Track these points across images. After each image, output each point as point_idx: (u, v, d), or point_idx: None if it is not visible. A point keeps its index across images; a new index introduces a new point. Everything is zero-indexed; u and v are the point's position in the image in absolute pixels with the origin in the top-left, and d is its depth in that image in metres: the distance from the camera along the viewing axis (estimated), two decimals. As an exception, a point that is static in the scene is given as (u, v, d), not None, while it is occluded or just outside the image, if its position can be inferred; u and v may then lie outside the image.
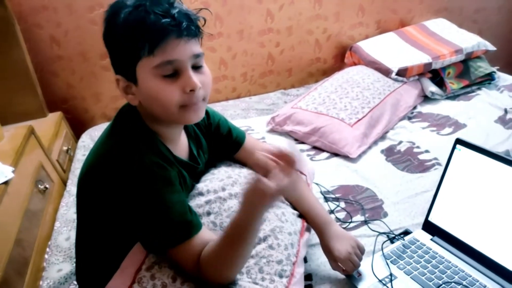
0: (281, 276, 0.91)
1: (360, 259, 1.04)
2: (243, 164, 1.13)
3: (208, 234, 0.85)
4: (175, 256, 0.83)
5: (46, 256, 1.32)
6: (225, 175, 1.04)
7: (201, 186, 0.98)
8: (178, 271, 0.84)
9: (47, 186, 1.50)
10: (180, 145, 0.96)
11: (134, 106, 0.87)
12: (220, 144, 1.10)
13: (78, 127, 2.13)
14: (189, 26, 0.77)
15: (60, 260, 1.28)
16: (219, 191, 0.98)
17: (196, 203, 0.94)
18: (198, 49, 0.81)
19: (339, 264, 1.03)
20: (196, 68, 0.82)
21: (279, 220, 1.01)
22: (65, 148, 1.88)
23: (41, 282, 1.21)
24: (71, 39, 1.98)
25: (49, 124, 1.89)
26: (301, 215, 1.11)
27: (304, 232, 1.07)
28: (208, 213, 0.92)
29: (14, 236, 1.20)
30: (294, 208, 1.12)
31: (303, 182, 1.16)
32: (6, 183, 1.22)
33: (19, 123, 1.74)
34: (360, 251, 1.05)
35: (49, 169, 1.62)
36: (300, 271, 0.98)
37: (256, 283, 0.87)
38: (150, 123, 0.87)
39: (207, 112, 1.08)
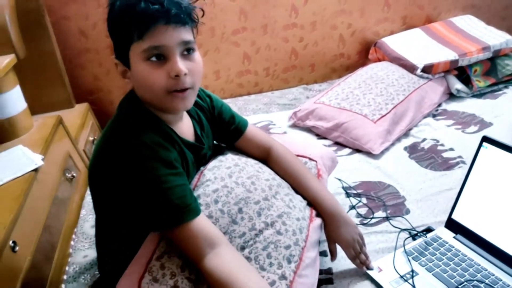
0: (289, 261, 0.91)
1: (362, 249, 1.06)
2: (246, 154, 1.14)
3: (207, 223, 0.86)
4: (174, 239, 0.85)
5: (72, 242, 1.36)
6: (232, 163, 1.04)
7: (209, 174, 0.99)
8: (187, 260, 0.85)
9: (74, 174, 1.54)
10: (185, 127, 0.98)
11: (134, 93, 0.91)
12: (222, 129, 1.12)
13: (103, 118, 2.17)
14: (178, 14, 0.80)
15: (85, 246, 1.32)
16: (226, 179, 0.98)
17: (204, 190, 0.94)
18: (187, 37, 0.83)
19: (344, 250, 1.05)
20: (187, 55, 0.85)
21: (287, 206, 1.01)
22: (91, 138, 1.92)
23: (67, 268, 1.25)
24: (98, 32, 2.02)
25: (76, 115, 1.94)
26: (309, 204, 1.10)
27: (314, 218, 1.06)
28: (216, 201, 0.92)
29: (43, 222, 1.24)
30: (303, 197, 1.11)
31: (304, 168, 1.15)
32: (36, 170, 1.26)
33: (48, 113, 1.79)
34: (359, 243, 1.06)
35: (76, 158, 1.66)
36: (311, 255, 0.97)
37: (264, 269, 0.88)
38: (150, 107, 0.90)
39: (209, 96, 1.11)
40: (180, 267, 0.85)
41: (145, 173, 0.81)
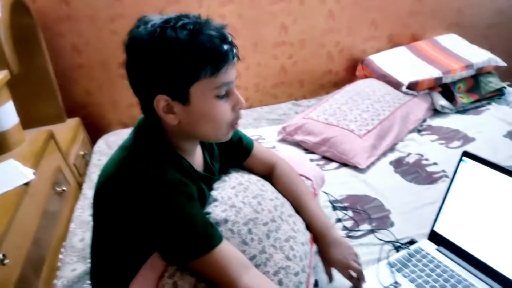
0: None
1: (359, 268, 1.05)
2: (250, 171, 1.15)
3: (230, 247, 0.86)
4: (199, 268, 0.83)
5: (61, 256, 1.36)
6: (236, 181, 1.04)
7: (215, 193, 0.98)
8: (200, 279, 0.84)
9: (64, 188, 1.55)
10: (197, 157, 0.99)
11: (155, 121, 0.87)
12: (231, 151, 1.12)
13: (95, 133, 2.19)
14: (235, 52, 0.83)
15: (74, 260, 1.32)
16: (233, 198, 0.97)
17: (212, 210, 0.93)
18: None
19: (339, 271, 1.05)
20: None
21: (292, 229, 1.01)
22: (82, 152, 1.94)
23: (55, 281, 1.26)
24: (91, 48, 2.06)
25: (68, 129, 1.96)
26: (307, 226, 1.11)
27: (313, 242, 1.08)
28: (226, 221, 0.91)
29: (32, 235, 1.25)
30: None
31: (306, 187, 1.17)
32: (26, 184, 1.27)
33: (39, 127, 1.80)
34: (356, 261, 1.06)
35: (67, 173, 1.67)
36: (312, 281, 0.99)
37: None
38: (172, 139, 0.89)
39: None
40: (193, 286, 0.83)
41: (169, 208, 0.80)
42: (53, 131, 1.65)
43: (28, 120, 1.68)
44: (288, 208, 1.08)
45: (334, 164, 1.75)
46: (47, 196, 1.42)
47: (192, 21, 0.79)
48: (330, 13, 2.38)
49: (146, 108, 0.86)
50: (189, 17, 0.80)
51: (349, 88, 2.17)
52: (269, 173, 1.16)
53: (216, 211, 0.92)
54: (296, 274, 0.93)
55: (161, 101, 0.81)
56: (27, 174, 1.30)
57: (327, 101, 2.08)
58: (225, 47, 0.79)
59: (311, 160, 1.79)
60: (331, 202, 1.46)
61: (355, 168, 1.69)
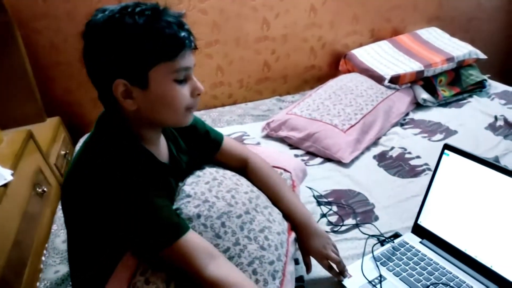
0: (274, 278, 0.93)
1: (338, 259, 1.07)
2: (224, 166, 1.15)
3: (197, 236, 0.87)
4: (167, 258, 0.84)
5: (43, 258, 1.34)
6: (210, 177, 1.05)
7: (188, 189, 0.98)
8: (172, 275, 0.86)
9: (45, 189, 1.52)
10: (161, 148, 1.00)
11: (115, 111, 0.88)
12: (199, 144, 1.13)
13: (75, 132, 2.15)
14: (194, 41, 0.87)
15: (57, 262, 1.30)
16: (206, 193, 0.98)
17: (185, 206, 0.94)
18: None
19: (318, 262, 1.07)
20: None
21: (267, 220, 1.02)
22: (63, 152, 1.90)
23: (38, 283, 1.24)
24: (70, 45, 2.01)
25: (48, 129, 1.92)
26: (285, 216, 1.11)
27: (291, 231, 1.08)
28: (198, 216, 0.93)
29: (12, 238, 1.23)
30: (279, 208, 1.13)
31: (281, 179, 1.18)
32: (5, 185, 1.24)
33: (18, 127, 1.76)
34: (335, 252, 1.09)
35: (47, 173, 1.64)
36: (290, 269, 1.00)
37: None
38: (135, 128, 0.90)
39: None
40: (165, 282, 0.84)
41: (131, 200, 0.82)
42: (32, 131, 1.62)
43: (6, 120, 1.65)
44: (263, 200, 1.09)
45: (318, 159, 1.75)
46: (27, 198, 1.39)
47: (149, 7, 0.82)
48: (312, 7, 2.38)
49: (105, 96, 0.87)
50: (146, 4, 0.83)
51: (332, 83, 2.17)
52: (242, 168, 1.17)
53: (188, 206, 0.94)
54: (271, 263, 0.94)
55: (119, 86, 0.82)
56: (5, 175, 1.27)
57: (310, 96, 2.08)
58: (183, 33, 0.83)
59: (296, 155, 1.78)
60: (315, 197, 1.46)
61: (339, 163, 1.70)
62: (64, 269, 1.26)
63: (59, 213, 1.51)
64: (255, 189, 1.11)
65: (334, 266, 1.07)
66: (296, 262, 1.15)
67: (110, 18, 0.80)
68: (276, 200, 1.13)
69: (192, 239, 0.85)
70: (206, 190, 0.99)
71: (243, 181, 1.11)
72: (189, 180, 1.03)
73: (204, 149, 1.14)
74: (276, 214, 1.08)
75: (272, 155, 1.33)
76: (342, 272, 1.08)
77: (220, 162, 1.16)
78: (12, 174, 1.29)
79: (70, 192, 0.89)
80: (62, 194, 0.93)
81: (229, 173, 1.11)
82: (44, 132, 1.86)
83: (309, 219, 1.11)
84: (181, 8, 2.08)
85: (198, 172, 1.06)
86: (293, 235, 1.08)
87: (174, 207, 0.94)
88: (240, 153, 1.18)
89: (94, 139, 0.89)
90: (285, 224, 1.08)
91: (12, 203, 1.27)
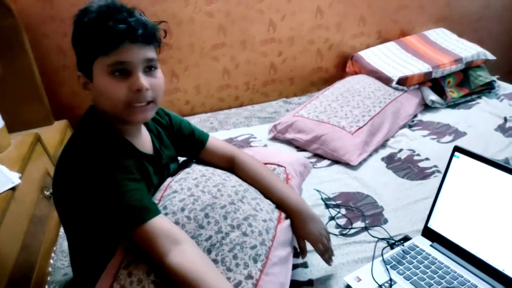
0: (255, 261, 0.92)
1: (328, 245, 1.09)
2: (212, 165, 1.17)
3: (168, 222, 0.88)
4: (137, 241, 0.86)
5: (51, 261, 1.34)
6: (199, 174, 1.07)
7: (176, 185, 1.02)
8: (152, 265, 0.87)
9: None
10: (143, 140, 1.02)
11: (95, 105, 0.94)
12: (183, 144, 1.17)
13: (83, 135, 2.15)
14: (143, 34, 0.86)
15: (65, 264, 1.30)
16: (193, 188, 1.01)
17: (170, 201, 0.97)
18: (151, 55, 0.89)
19: (313, 246, 1.07)
20: (149, 72, 0.90)
21: (253, 209, 1.02)
22: (70, 155, 1.90)
23: (47, 286, 1.24)
24: (77, 48, 2.02)
25: (55, 132, 1.92)
26: (278, 207, 1.11)
27: (283, 219, 1.07)
28: (182, 209, 0.95)
29: (20, 241, 1.22)
30: (271, 200, 1.12)
31: (269, 171, 1.18)
32: (13, 189, 1.24)
33: (26, 130, 1.77)
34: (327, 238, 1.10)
35: (55, 176, 1.64)
36: (279, 254, 0.98)
37: (231, 270, 0.89)
38: (110, 120, 0.93)
39: (168, 115, 1.16)
40: (146, 272, 0.86)
41: (101, 180, 0.84)
42: (39, 134, 1.62)
43: (14, 124, 1.64)
44: (252, 192, 1.10)
45: (326, 162, 1.74)
46: (35, 201, 1.39)
47: (109, 4, 0.87)
48: (318, 9, 2.37)
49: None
50: (114, 2, 0.88)
51: (339, 85, 2.16)
52: (230, 166, 1.18)
53: (173, 201, 0.96)
54: (253, 247, 0.94)
55: (80, 78, 0.92)
56: (13, 178, 1.27)
57: (317, 98, 2.07)
58: (120, 27, 0.83)
59: (303, 157, 1.77)
60: (323, 199, 1.45)
61: (347, 165, 1.68)
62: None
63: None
64: (244, 183, 1.12)
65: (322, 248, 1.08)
66: (305, 265, 1.15)
67: (75, 16, 0.88)
68: (267, 191, 1.13)
69: (160, 224, 0.85)
70: (193, 186, 1.02)
71: (233, 177, 1.13)
72: (178, 177, 1.06)
73: (189, 147, 1.18)
74: (266, 204, 1.08)
75: (267, 153, 1.35)
76: (330, 258, 1.10)
77: (209, 162, 1.18)
78: (20, 177, 1.29)
79: (57, 188, 0.94)
80: (53, 191, 0.98)
81: (219, 171, 1.13)
82: (52, 135, 1.87)
83: (303, 205, 1.11)
84: (187, 11, 2.09)
85: (187, 169, 1.10)
86: (285, 222, 1.06)
87: (160, 204, 0.96)
88: (226, 152, 1.19)
89: (74, 134, 0.95)
90: (276, 213, 1.08)
91: (20, 206, 1.27)
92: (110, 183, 0.84)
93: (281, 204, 1.11)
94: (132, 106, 0.89)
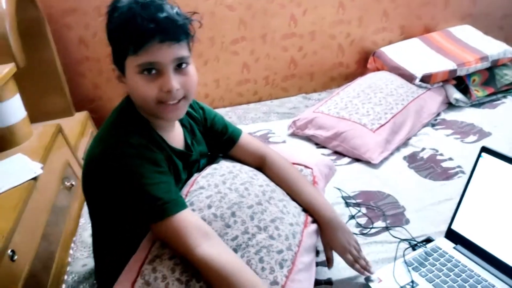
0: (281, 266, 0.91)
1: (360, 254, 1.06)
2: (242, 162, 1.15)
3: (197, 217, 0.88)
4: (159, 232, 0.86)
5: (71, 251, 1.35)
6: (227, 170, 1.06)
7: (203, 181, 1.01)
8: (177, 262, 0.86)
9: (73, 183, 1.53)
10: (175, 135, 1.02)
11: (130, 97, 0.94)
12: (216, 139, 1.15)
13: (103, 126, 2.17)
14: (173, 32, 0.84)
15: (84, 255, 1.31)
16: (220, 185, 0.99)
17: (197, 197, 0.96)
18: (182, 53, 0.87)
19: (341, 256, 1.05)
20: (180, 69, 0.88)
21: (280, 211, 1.01)
22: (90, 146, 1.92)
23: (66, 277, 1.25)
24: (99, 40, 2.03)
25: (76, 123, 1.94)
26: (305, 210, 1.10)
27: (309, 224, 1.06)
28: (209, 206, 0.94)
29: (41, 230, 1.24)
30: (298, 203, 1.11)
31: (299, 174, 1.16)
32: (35, 179, 1.26)
33: (47, 121, 1.79)
34: (357, 248, 1.07)
35: (75, 167, 1.66)
36: (304, 260, 0.97)
37: (256, 273, 0.88)
38: (143, 113, 0.94)
39: (202, 108, 1.15)
40: (171, 269, 0.86)
41: (130, 171, 0.84)
42: (61, 125, 1.63)
43: (36, 114, 1.67)
44: (279, 193, 1.08)
45: (346, 159, 1.71)
46: (56, 191, 1.41)
47: (140, 1, 0.83)
48: (340, 3, 2.33)
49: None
50: None
51: (360, 81, 2.13)
52: (260, 165, 1.16)
53: (200, 197, 0.96)
54: (279, 252, 0.93)
55: (115, 71, 0.92)
56: (35, 168, 1.29)
57: (338, 94, 2.04)
58: (150, 25, 0.81)
59: (322, 155, 1.75)
60: (343, 198, 1.43)
61: (367, 163, 1.66)
62: (91, 262, 1.27)
63: (87, 207, 1.52)
64: (272, 183, 1.11)
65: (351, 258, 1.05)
66: (324, 263, 1.13)
67: (108, 10, 0.86)
68: (295, 194, 1.11)
69: (187, 217, 0.85)
70: (220, 182, 1.00)
71: (260, 176, 1.11)
72: (205, 172, 1.05)
73: (220, 143, 1.16)
74: (292, 207, 1.07)
75: (292, 152, 1.32)
76: (365, 268, 1.05)
77: (238, 158, 1.17)
78: (42, 168, 1.31)
79: (88, 176, 0.94)
80: (82, 180, 0.98)
81: (246, 168, 1.12)
82: (73, 127, 1.89)
83: (333, 213, 1.08)
84: (208, 4, 2.08)
85: (215, 165, 1.09)
86: (310, 227, 1.05)
87: (187, 199, 0.96)
88: (258, 150, 1.17)
89: (106, 124, 0.94)
90: (302, 217, 1.06)
91: (41, 196, 1.29)
92: (139, 174, 0.84)
93: (309, 209, 1.09)
94: (164, 103, 0.88)
